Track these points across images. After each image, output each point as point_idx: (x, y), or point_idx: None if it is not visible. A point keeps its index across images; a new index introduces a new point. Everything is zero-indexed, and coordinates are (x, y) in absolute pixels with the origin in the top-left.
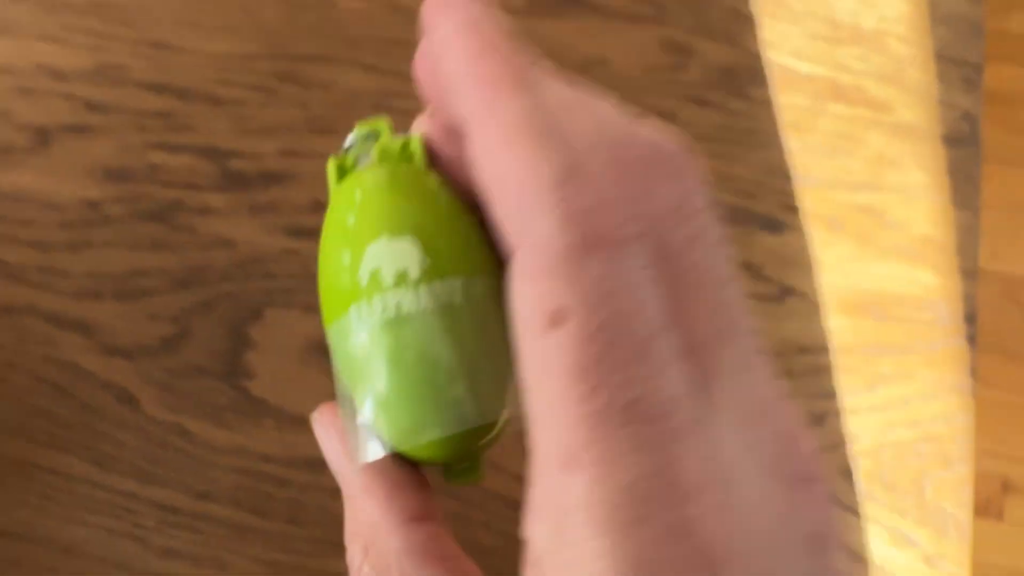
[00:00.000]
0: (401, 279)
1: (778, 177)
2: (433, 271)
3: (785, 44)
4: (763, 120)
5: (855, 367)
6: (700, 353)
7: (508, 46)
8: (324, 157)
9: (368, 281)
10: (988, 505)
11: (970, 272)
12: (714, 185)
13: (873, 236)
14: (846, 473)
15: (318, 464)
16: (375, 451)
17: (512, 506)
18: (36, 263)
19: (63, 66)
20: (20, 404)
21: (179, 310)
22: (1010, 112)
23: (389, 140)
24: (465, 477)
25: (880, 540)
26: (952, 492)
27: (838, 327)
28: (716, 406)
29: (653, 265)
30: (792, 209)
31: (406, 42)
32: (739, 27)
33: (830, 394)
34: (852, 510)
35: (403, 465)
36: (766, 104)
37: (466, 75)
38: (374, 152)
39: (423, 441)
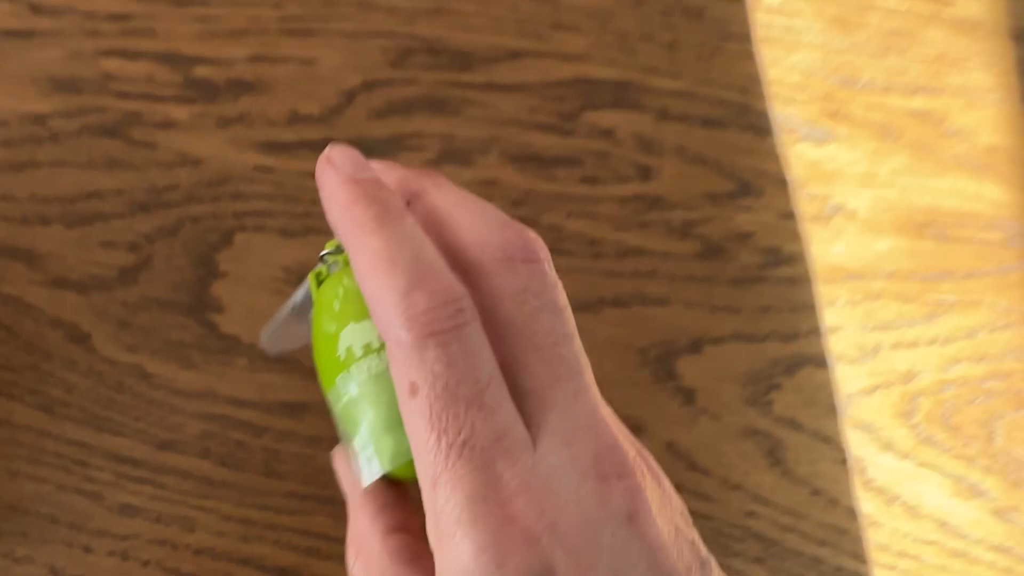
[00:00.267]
0: (367, 350)
1: (822, 81)
2: None
3: None
4: (804, 15)
5: (912, 294)
6: (535, 394)
7: (372, 195)
8: (300, 63)
9: (345, 356)
10: None
11: None
12: (749, 90)
13: (931, 146)
14: (903, 415)
15: (296, 409)
16: (368, 476)
17: None
18: None
19: None
20: None
21: (138, 236)
22: None
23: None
24: None
25: (942, 491)
26: None
27: (892, 249)
28: (544, 430)
29: (489, 335)
30: (838, 117)
31: None
32: None
33: (884, 325)
34: (909, 457)
35: (392, 486)
36: None
37: (341, 220)
38: (340, 261)
39: (402, 462)
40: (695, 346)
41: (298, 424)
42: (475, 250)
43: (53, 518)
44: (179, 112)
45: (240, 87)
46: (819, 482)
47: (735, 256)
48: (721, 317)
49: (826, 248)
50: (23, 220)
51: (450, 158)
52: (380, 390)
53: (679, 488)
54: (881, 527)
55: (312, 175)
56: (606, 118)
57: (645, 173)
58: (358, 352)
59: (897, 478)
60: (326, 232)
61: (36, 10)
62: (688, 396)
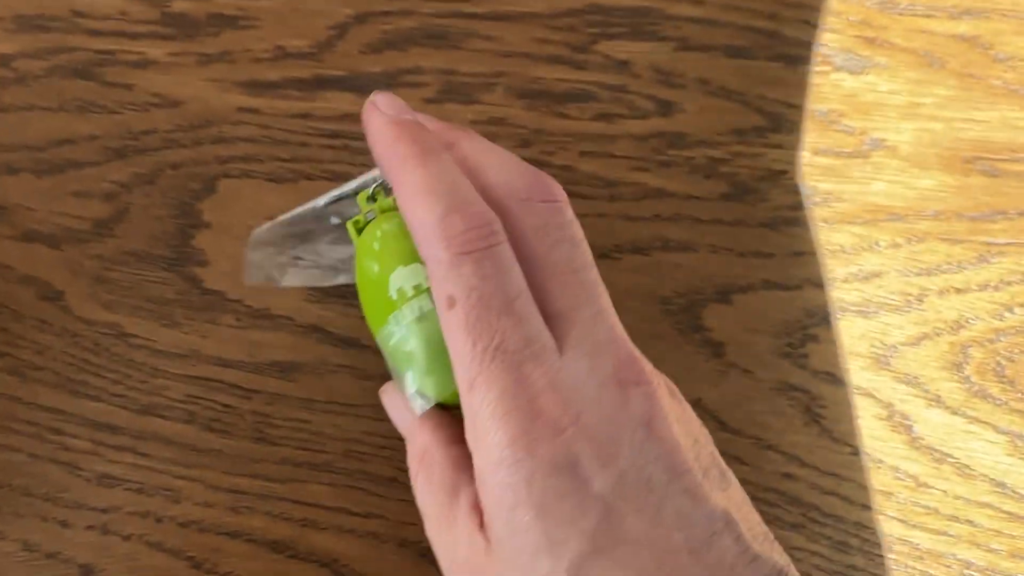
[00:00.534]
0: (418, 290)
1: (858, 4)
2: None
3: None
4: None
5: (961, 235)
6: (559, 316)
7: (414, 134)
8: None
9: (397, 296)
10: None
11: None
12: (777, 15)
13: (980, 74)
14: (952, 367)
15: (288, 369)
16: (423, 405)
17: None
18: None
19: None
20: None
21: (114, 185)
22: None
23: (383, 200)
24: None
25: (996, 448)
26: None
27: (938, 187)
28: (568, 344)
29: (518, 259)
30: (876, 44)
31: None
32: None
33: (931, 270)
34: (960, 412)
35: (444, 410)
36: None
37: (386, 155)
38: (376, 209)
39: (452, 390)
40: (723, 295)
41: (290, 385)
42: (501, 191)
43: (26, 490)
44: (156, 50)
45: (222, 22)
46: (860, 441)
47: (765, 197)
48: (751, 263)
49: (865, 187)
50: None
51: (452, 95)
52: (429, 326)
53: None
54: (930, 489)
55: (301, 116)
56: (621, 48)
57: (665, 108)
58: (409, 292)
59: (947, 436)
60: (317, 177)
61: None
62: (716, 349)
